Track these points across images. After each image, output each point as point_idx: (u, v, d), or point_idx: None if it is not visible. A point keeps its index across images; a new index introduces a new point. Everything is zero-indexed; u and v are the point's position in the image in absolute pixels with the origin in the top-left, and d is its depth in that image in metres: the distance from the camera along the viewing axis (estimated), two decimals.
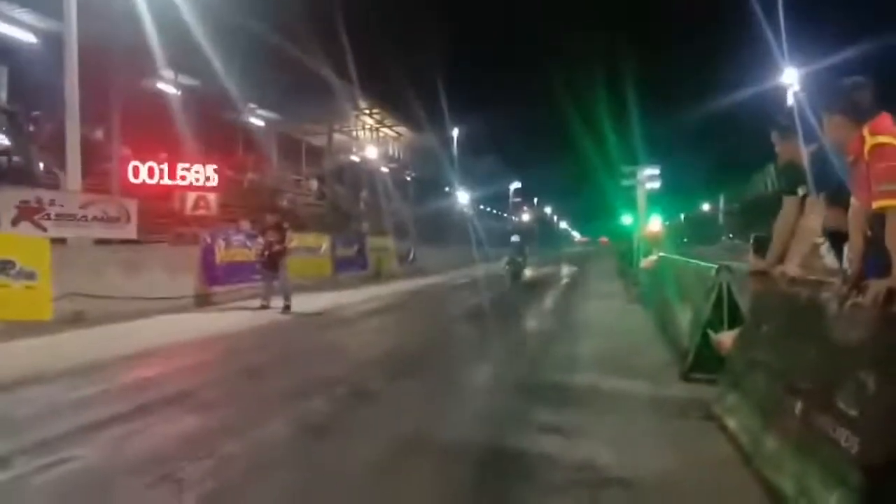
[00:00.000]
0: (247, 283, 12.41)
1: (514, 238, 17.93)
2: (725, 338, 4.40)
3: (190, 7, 13.25)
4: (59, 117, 11.82)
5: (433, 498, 2.97)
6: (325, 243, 17.33)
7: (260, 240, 11.16)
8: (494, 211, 62.03)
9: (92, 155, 14.41)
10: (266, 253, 10.77)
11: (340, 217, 26.36)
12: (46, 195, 9.71)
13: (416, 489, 3.05)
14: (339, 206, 28.07)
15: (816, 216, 3.57)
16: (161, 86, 17.90)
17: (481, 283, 16.79)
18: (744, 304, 4.41)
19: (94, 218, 10.13)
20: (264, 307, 10.59)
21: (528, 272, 18.47)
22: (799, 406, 2.79)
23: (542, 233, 79.51)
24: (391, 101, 31.23)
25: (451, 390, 5.17)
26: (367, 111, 31.05)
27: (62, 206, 9.65)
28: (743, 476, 2.99)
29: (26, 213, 9.04)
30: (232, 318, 9.68)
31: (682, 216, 44.64)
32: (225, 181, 18.01)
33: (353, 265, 19.38)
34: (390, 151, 36.86)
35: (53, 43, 12.50)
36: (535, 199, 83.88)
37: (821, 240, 3.66)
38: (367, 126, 32.86)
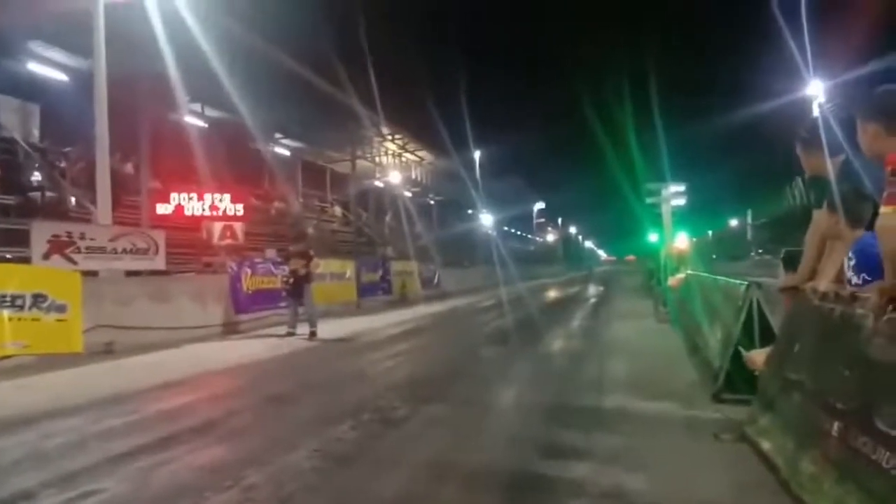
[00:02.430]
0: (273, 311, 12.49)
1: (589, 264, 53.34)
2: (757, 355, 4.29)
3: (215, 41, 13.56)
4: (89, 152, 12.14)
5: None
6: (349, 269, 17.40)
7: (285, 267, 11.29)
8: (518, 232, 61.91)
9: (122, 188, 14.75)
10: (291, 280, 10.89)
11: (365, 242, 26.55)
12: (77, 229, 9.90)
13: None
14: (363, 231, 28.29)
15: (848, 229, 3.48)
16: (188, 119, 18.28)
17: (506, 307, 16.67)
18: (775, 321, 4.30)
19: (124, 250, 10.29)
20: (290, 334, 10.63)
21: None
22: (836, 427, 2.69)
23: (568, 253, 79.05)
24: (413, 126, 31.50)
25: (478, 415, 5.10)
26: (390, 137, 31.36)
27: (92, 239, 9.82)
28: (779, 501, 2.88)
29: (57, 246, 9.21)
30: (258, 346, 9.72)
31: (710, 233, 44.05)
32: (251, 210, 18.27)
33: (377, 290, 19.42)
34: (413, 176, 37.09)
35: (83, 80, 12.89)
36: (560, 220, 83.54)
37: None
38: (390, 151, 33.15)
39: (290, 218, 21.64)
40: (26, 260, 9.17)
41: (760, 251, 31.75)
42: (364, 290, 18.13)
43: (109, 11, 10.81)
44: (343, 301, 16.18)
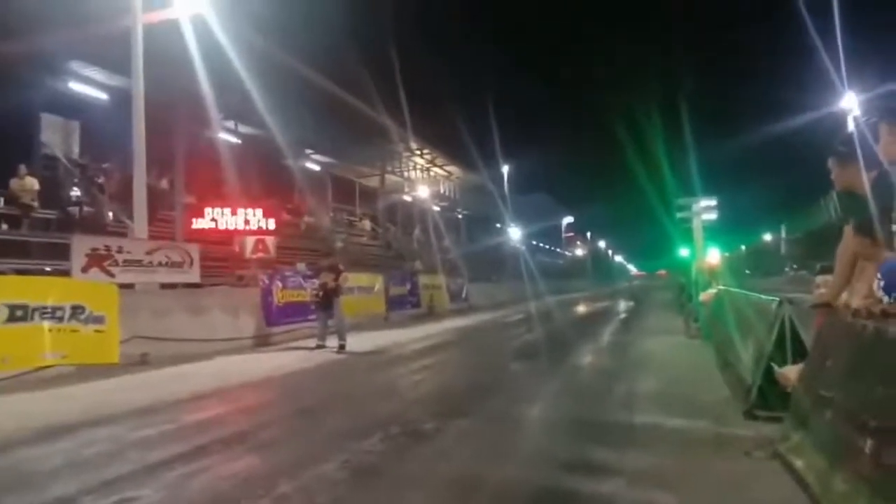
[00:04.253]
0: (303, 324, 12.63)
1: (628, 277, 70.75)
2: (790, 371, 4.23)
3: (248, 60, 13.87)
4: (127, 168, 12.49)
5: None
6: (378, 282, 17.51)
7: (315, 280, 11.42)
8: (547, 246, 61.67)
9: (158, 203, 15.12)
10: (320, 293, 11.00)
11: (393, 256, 26.71)
12: (114, 243, 10.17)
13: None
14: (391, 245, 28.47)
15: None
16: (222, 135, 18.67)
17: (534, 322, 16.61)
18: (807, 338, 4.24)
19: (159, 263, 10.53)
20: (320, 347, 10.74)
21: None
22: (869, 444, 2.65)
23: (597, 267, 78.36)
24: (442, 141, 31.73)
25: (507, 430, 5.10)
26: (419, 151, 31.60)
27: (129, 252, 10.08)
28: None
29: (96, 260, 9.47)
30: (289, 359, 9.83)
31: (743, 247, 43.37)
32: (282, 225, 18.52)
33: (405, 303, 19.50)
34: (442, 190, 37.28)
35: (122, 98, 13.28)
36: (589, 234, 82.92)
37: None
38: (419, 166, 33.39)
39: (320, 232, 21.89)
40: (66, 273, 9.45)
41: (795, 266, 31.15)
42: (392, 304, 18.23)
43: (147, 32, 11.16)
44: (372, 314, 16.28)
